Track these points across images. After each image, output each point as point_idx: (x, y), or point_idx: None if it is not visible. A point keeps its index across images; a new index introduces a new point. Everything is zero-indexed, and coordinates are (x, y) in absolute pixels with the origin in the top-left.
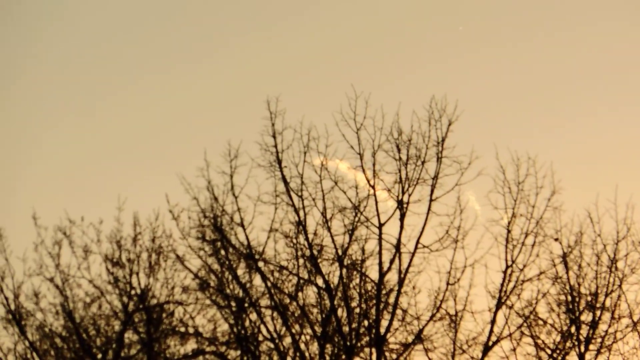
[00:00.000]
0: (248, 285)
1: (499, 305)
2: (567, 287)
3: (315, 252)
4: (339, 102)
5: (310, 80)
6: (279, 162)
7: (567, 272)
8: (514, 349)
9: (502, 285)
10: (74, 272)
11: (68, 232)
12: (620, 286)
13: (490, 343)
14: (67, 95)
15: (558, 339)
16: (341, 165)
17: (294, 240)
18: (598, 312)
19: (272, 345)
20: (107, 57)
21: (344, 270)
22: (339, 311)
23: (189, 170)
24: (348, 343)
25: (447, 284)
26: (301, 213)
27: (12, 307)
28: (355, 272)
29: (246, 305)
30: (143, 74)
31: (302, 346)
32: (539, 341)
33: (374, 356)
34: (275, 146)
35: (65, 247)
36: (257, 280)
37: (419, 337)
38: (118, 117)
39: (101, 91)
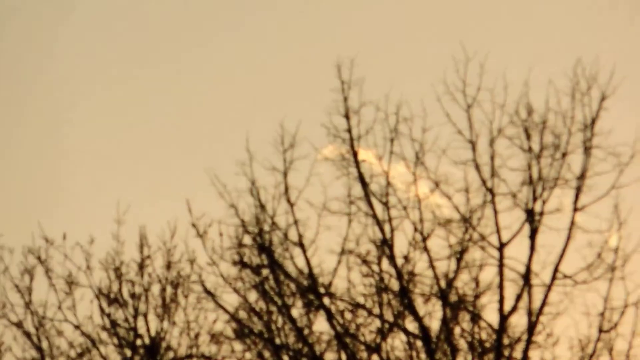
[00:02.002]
0: (308, 331)
1: None
2: None
3: (406, 284)
4: (440, 68)
5: (398, 38)
6: (355, 153)
7: None
8: None
9: None
10: (52, 314)
11: (43, 256)
12: None
13: None
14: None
15: None
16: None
17: (376, 267)
18: None
19: None
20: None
21: (448, 310)
22: None
23: (224, 166)
24: None
25: (600, 331)
26: (386, 228)
27: None
28: (464, 313)
29: None
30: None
31: None
32: None
33: None
34: (350, 131)
35: (40, 277)
36: (322, 323)
37: None
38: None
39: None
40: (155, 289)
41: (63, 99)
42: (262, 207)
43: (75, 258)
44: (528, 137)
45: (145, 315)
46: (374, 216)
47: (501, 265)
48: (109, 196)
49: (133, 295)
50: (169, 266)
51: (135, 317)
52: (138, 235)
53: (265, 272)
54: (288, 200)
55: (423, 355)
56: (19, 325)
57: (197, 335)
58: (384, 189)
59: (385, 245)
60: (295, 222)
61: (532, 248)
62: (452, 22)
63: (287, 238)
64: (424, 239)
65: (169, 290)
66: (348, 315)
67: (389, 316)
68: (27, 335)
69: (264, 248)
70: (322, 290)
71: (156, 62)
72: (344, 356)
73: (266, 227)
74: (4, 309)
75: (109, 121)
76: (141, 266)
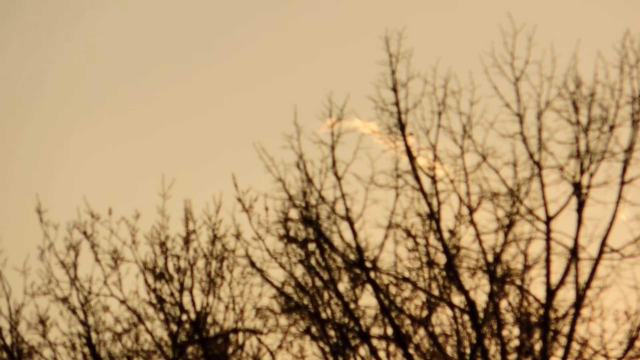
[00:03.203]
0: (354, 306)
1: None
2: None
3: (452, 258)
4: (488, 40)
5: (445, 10)
6: (402, 126)
7: None
8: None
9: None
10: (98, 289)
11: (89, 232)
12: None
13: None
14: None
15: None
16: (491, 130)
17: (422, 241)
18: None
19: None
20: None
21: (495, 285)
22: (487, 343)
23: (271, 139)
24: None
25: None
26: (433, 202)
27: (8, 341)
28: (511, 288)
29: (351, 335)
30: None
31: None
32: None
33: None
34: (397, 104)
35: (86, 253)
36: (368, 298)
37: None
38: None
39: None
40: (201, 263)
41: (111, 73)
42: (310, 180)
43: (121, 233)
44: (576, 110)
45: (190, 290)
46: (421, 190)
47: (548, 239)
48: (154, 170)
49: (179, 270)
50: (214, 241)
51: (180, 292)
52: (183, 209)
53: (311, 246)
54: (335, 174)
55: (469, 330)
56: (64, 300)
57: (242, 310)
58: (431, 163)
59: (432, 219)
60: (343, 195)
61: (580, 221)
62: None
63: (334, 212)
64: (471, 213)
65: (215, 264)
66: (394, 290)
67: (435, 290)
68: (73, 310)
69: (311, 222)
70: (368, 264)
71: (201, 36)
72: (390, 330)
73: (313, 201)
74: (51, 285)
75: (155, 95)
76: (186, 241)
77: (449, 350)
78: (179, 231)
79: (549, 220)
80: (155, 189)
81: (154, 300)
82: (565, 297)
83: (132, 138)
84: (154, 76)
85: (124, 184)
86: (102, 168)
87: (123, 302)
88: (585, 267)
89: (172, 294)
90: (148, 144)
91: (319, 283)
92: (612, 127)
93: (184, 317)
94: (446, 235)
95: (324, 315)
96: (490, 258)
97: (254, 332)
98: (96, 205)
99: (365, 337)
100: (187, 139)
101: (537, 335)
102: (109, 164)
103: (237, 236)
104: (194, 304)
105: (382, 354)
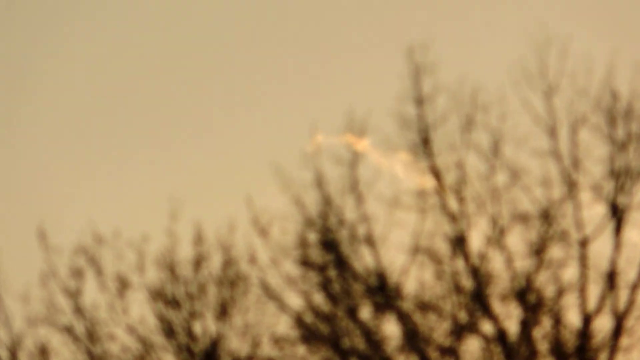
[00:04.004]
0: (376, 334)
1: None
2: None
3: (481, 284)
4: (518, 51)
5: (472, 20)
6: (427, 143)
7: None
8: None
9: None
10: (104, 317)
11: (95, 256)
12: None
13: None
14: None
15: None
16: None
17: (449, 266)
18: None
19: None
20: None
21: (527, 312)
22: None
23: (287, 158)
24: None
25: None
26: (461, 224)
27: None
28: (544, 315)
29: None
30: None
31: None
32: None
33: None
34: (422, 118)
35: (90, 277)
36: (392, 326)
37: None
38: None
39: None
40: (213, 289)
41: (115, 87)
42: (329, 201)
43: (129, 257)
44: (613, 125)
45: (202, 317)
46: (448, 211)
47: (584, 263)
48: (163, 191)
49: (189, 296)
50: (227, 265)
51: (191, 318)
52: (194, 231)
53: (331, 271)
54: (356, 194)
55: None
56: (69, 329)
57: (257, 339)
58: (459, 182)
59: (460, 242)
60: (364, 217)
61: (617, 245)
62: (531, 2)
63: (355, 235)
64: (501, 235)
65: (227, 290)
66: (419, 317)
67: (463, 318)
68: (78, 339)
69: (331, 246)
70: (391, 290)
71: (216, 53)
72: None
73: (333, 223)
74: (53, 313)
75: (163, 112)
76: (197, 264)
77: None
78: (190, 255)
79: (584, 243)
80: (165, 210)
81: (164, 328)
82: (603, 325)
83: (140, 157)
84: (165, 94)
85: (131, 205)
86: (109, 189)
87: (131, 330)
88: (623, 294)
89: (182, 321)
90: (157, 163)
91: (339, 311)
92: None
93: (196, 345)
94: (475, 259)
95: (344, 345)
96: (521, 284)
97: None
98: (102, 228)
99: None
100: (198, 157)
101: None
102: (116, 185)
103: (252, 261)
104: (205, 332)
105: None
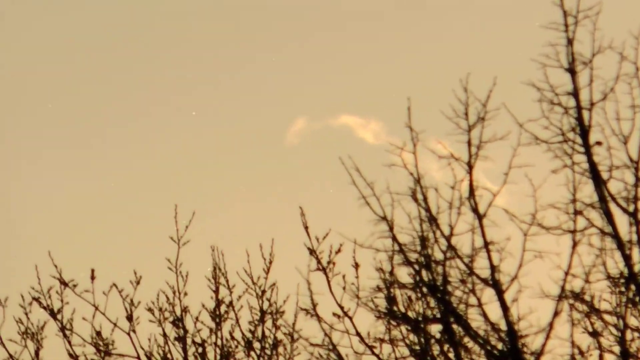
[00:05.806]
0: None
1: None
2: None
3: None
4: None
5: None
6: (584, 130)
7: None
8: None
9: None
10: None
11: (57, 307)
12: None
13: None
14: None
15: None
16: None
17: (615, 319)
18: None
19: None
20: None
21: None
22: None
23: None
24: None
25: None
26: (635, 254)
27: None
28: None
29: None
30: None
31: None
32: None
33: None
34: (576, 93)
35: (52, 340)
36: None
37: None
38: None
39: None
40: (242, 354)
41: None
42: (432, 219)
43: (111, 308)
44: None
45: None
46: (615, 234)
47: None
48: (161, 202)
49: None
50: (263, 316)
51: None
52: (210, 264)
53: (434, 327)
54: (474, 209)
55: None
56: None
57: None
58: (631, 189)
59: (633, 282)
60: (486, 244)
61: None
62: None
63: (473, 271)
64: None
65: (266, 354)
66: None
67: None
68: None
69: (434, 288)
70: (528, 357)
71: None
72: None
73: (437, 254)
74: None
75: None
76: (217, 317)
77: None
78: (204, 301)
79: None
80: (165, 231)
81: None
82: None
83: (128, 158)
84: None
85: (112, 230)
86: (76, 210)
87: None
88: None
89: None
90: (153, 158)
91: None
92: None
93: None
94: None
95: None
96: None
97: None
98: (68, 267)
99: None
100: (209, 147)
101: None
102: (87, 203)
103: (307, 311)
104: None
105: None
